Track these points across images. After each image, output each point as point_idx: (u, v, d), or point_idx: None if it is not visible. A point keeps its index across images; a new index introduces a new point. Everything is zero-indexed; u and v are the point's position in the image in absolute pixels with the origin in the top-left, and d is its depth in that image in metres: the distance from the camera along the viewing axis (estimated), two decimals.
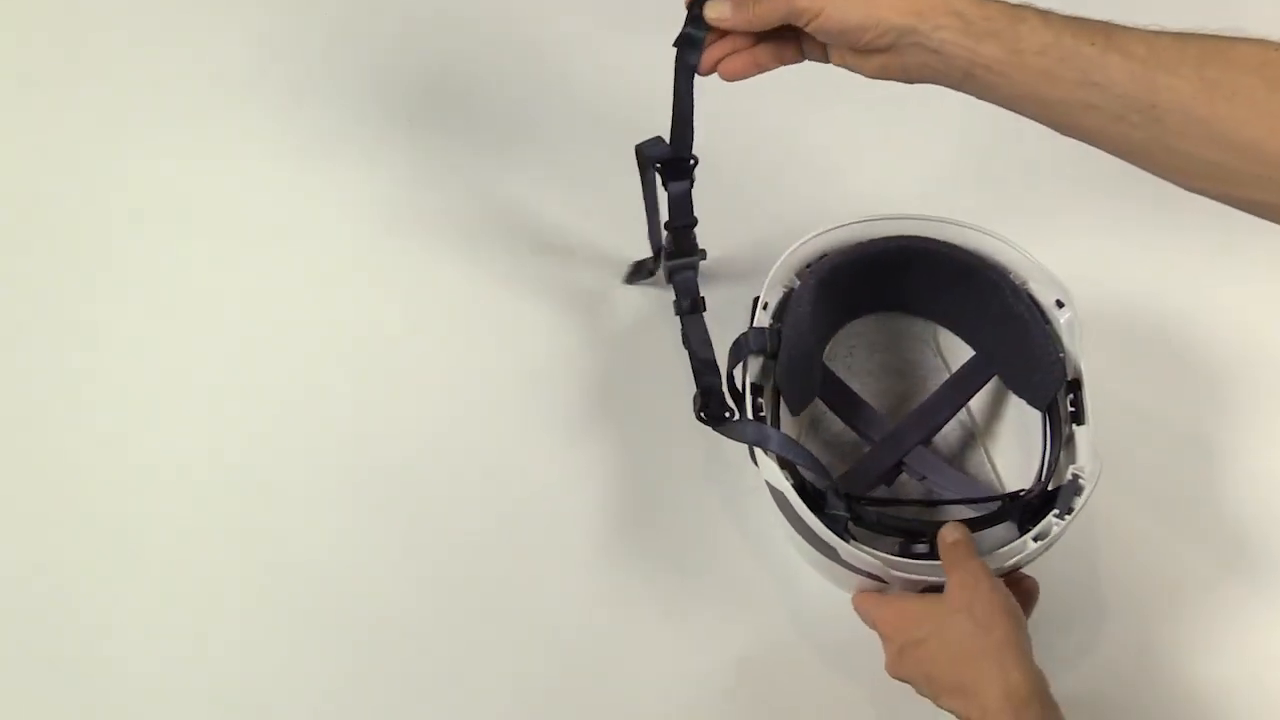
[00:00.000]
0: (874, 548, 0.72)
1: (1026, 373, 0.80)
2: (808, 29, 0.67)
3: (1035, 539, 0.72)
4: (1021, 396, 0.81)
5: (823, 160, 1.01)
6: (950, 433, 0.86)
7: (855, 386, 0.87)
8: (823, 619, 0.82)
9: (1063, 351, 0.77)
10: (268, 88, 1.05)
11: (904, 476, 0.83)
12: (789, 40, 0.70)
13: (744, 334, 0.78)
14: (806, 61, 0.71)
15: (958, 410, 0.85)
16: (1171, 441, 0.89)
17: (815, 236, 0.81)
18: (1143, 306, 0.94)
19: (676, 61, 0.71)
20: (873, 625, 0.75)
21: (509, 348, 0.93)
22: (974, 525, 0.73)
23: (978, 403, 0.86)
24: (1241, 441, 0.89)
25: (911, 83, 0.68)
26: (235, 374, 0.92)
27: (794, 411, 0.81)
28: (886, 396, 0.88)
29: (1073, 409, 0.76)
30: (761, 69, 0.71)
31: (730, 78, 0.71)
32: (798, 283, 0.80)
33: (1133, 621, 0.83)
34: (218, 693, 0.81)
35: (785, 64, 0.71)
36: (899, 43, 0.65)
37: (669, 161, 0.77)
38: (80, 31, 1.09)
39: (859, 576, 0.74)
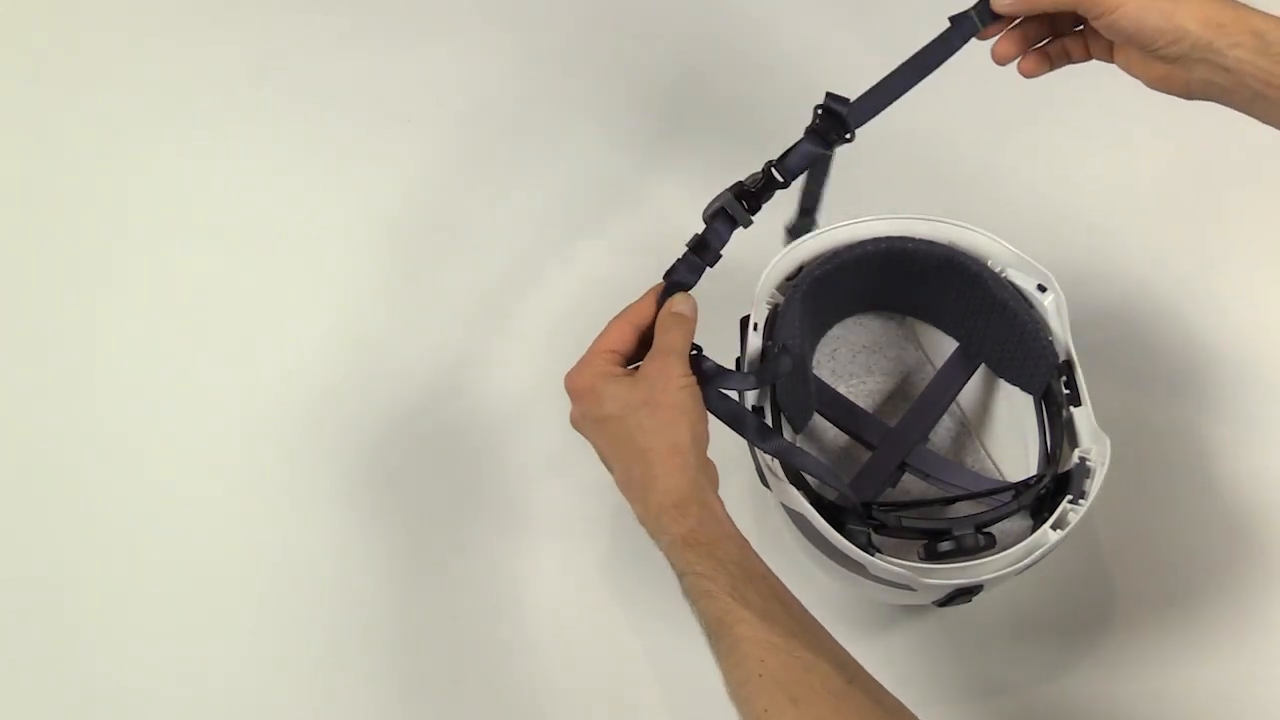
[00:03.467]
0: (896, 555, 0.72)
1: (1017, 359, 0.80)
2: (1097, 24, 0.65)
3: (1054, 528, 0.72)
4: (1014, 384, 0.81)
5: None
6: (941, 427, 0.86)
7: (842, 389, 0.87)
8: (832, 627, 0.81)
9: (1051, 334, 0.77)
10: (268, 88, 1.07)
11: (907, 476, 0.83)
12: (1077, 39, 0.70)
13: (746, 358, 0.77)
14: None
15: (950, 403, 0.85)
16: (1172, 441, 0.89)
17: (792, 249, 0.80)
18: (1142, 306, 0.94)
19: (948, 33, 0.71)
20: (566, 386, 0.71)
21: (509, 353, 0.94)
22: (989, 519, 0.73)
23: (965, 395, 0.86)
24: (1242, 440, 0.89)
25: (1189, 99, 0.66)
26: (234, 374, 0.93)
27: (797, 429, 0.80)
28: (873, 397, 0.88)
29: (1068, 390, 0.76)
30: (1052, 67, 0.72)
31: (1024, 75, 0.72)
32: (781, 298, 0.79)
33: (1134, 621, 0.82)
34: (216, 693, 0.81)
35: (1073, 62, 0.71)
36: (1189, 56, 0.62)
37: (834, 116, 0.71)
38: (80, 31, 1.11)
39: (884, 586, 0.74)
